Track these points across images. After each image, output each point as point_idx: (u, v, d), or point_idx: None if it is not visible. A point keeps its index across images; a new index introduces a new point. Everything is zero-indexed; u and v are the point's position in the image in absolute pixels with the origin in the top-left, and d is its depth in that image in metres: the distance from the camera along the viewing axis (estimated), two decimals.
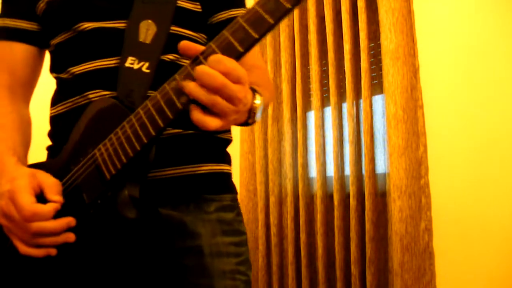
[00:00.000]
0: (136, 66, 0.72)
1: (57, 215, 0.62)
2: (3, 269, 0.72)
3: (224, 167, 0.84)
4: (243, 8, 0.86)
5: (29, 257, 0.64)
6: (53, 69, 0.85)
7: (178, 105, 0.57)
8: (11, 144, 0.73)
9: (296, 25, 2.40)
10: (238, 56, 0.55)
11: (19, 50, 0.82)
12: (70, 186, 0.67)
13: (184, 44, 0.57)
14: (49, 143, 0.84)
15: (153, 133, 0.59)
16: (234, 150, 2.71)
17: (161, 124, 0.58)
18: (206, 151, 0.81)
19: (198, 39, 0.83)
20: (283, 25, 2.46)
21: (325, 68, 2.34)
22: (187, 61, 0.75)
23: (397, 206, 1.88)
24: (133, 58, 0.72)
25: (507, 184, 1.72)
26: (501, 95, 1.76)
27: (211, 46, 0.56)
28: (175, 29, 0.78)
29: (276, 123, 2.49)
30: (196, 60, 0.57)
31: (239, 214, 0.84)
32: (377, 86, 2.13)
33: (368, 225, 1.99)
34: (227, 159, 0.86)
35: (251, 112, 0.63)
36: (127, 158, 0.62)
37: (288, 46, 2.43)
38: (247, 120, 0.64)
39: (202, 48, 0.57)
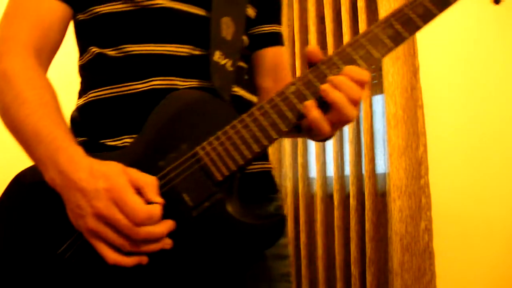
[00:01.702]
0: (222, 62, 0.68)
1: None
2: (44, 279, 0.59)
3: (271, 165, 0.80)
4: (281, 26, 0.89)
5: (99, 268, 0.55)
6: (91, 41, 0.71)
7: (301, 109, 0.59)
8: (67, 130, 0.59)
9: (296, 25, 2.40)
10: None
11: (59, 11, 0.68)
12: (165, 186, 0.58)
13: (313, 49, 0.59)
14: None
15: (274, 136, 0.59)
16: None
17: (284, 128, 0.59)
18: None
19: (246, 45, 0.81)
20: (283, 25, 2.46)
21: None
22: (241, 62, 0.77)
23: (397, 206, 1.88)
24: (220, 53, 0.68)
25: (507, 184, 1.72)
26: (501, 95, 1.76)
27: (332, 59, 0.59)
28: None
29: None
30: (318, 69, 0.59)
31: None
32: (377, 86, 2.13)
33: (368, 225, 1.99)
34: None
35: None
36: (243, 160, 0.59)
37: (288, 46, 2.43)
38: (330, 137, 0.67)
39: (322, 57, 0.59)
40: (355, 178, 2.09)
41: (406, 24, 0.60)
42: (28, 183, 0.63)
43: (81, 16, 0.71)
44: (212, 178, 0.59)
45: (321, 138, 0.67)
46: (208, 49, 0.68)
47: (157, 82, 0.66)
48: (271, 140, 0.59)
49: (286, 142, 2.41)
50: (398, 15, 0.60)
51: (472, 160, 1.81)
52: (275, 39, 0.86)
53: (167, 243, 0.55)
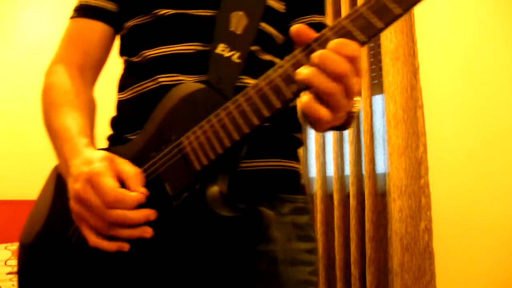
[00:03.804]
0: (227, 54, 0.68)
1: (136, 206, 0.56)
2: (60, 261, 0.65)
3: (297, 165, 0.77)
4: (324, 16, 0.85)
5: (95, 251, 0.57)
6: (124, 52, 0.81)
7: (287, 93, 0.51)
8: (82, 125, 0.66)
9: None
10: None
11: (98, 30, 0.79)
12: (150, 176, 0.60)
13: (299, 28, 0.50)
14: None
15: (256, 122, 0.53)
16: None
17: (267, 114, 0.52)
18: (281, 146, 0.74)
19: (278, 39, 0.80)
20: None
21: None
22: (268, 55, 0.77)
23: (397, 206, 1.88)
24: (225, 46, 0.69)
25: (507, 184, 1.72)
26: (501, 95, 1.76)
27: (325, 34, 0.50)
28: (261, 24, 0.75)
29: None
30: (309, 47, 0.51)
31: (311, 218, 0.77)
32: (377, 86, 2.13)
33: (368, 225, 1.99)
34: (299, 159, 0.79)
35: (350, 116, 0.59)
36: (222, 149, 0.55)
37: None
38: (344, 124, 0.61)
39: (315, 35, 0.51)
40: (355, 178, 2.09)
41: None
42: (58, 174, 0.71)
43: (121, 33, 0.82)
44: (191, 168, 0.58)
45: (321, 125, 0.60)
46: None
47: (164, 79, 0.70)
48: (252, 127, 0.54)
49: None
50: None
51: (472, 160, 1.81)
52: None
53: (147, 231, 0.55)
